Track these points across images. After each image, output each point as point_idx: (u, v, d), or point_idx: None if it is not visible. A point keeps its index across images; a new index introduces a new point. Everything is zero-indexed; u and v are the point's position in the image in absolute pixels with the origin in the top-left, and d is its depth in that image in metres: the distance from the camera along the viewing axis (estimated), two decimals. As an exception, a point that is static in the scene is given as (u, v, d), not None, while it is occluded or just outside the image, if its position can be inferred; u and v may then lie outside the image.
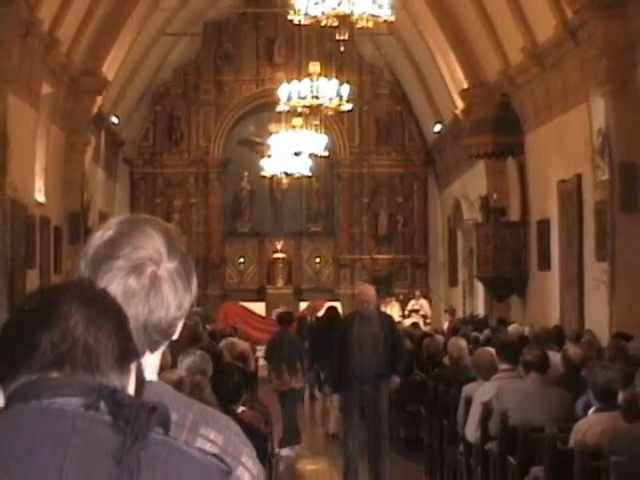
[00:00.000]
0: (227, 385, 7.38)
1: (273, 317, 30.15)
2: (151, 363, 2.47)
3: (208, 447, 2.31)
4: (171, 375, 6.80)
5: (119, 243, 2.41)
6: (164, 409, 1.97)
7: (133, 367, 2.08)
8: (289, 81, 23.15)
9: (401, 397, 14.78)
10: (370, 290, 12.97)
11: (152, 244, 2.42)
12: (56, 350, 1.97)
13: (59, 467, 1.87)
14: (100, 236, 2.45)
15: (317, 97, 22.32)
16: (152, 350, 2.46)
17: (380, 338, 12.23)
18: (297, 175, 28.26)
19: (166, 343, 2.50)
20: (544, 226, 20.84)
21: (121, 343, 2.04)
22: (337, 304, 24.55)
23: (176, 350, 8.54)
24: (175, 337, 2.51)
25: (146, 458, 1.89)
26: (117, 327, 2.05)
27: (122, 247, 2.41)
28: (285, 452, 14.72)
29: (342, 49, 18.10)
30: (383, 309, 19.17)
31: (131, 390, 2.05)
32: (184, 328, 2.59)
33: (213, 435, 2.37)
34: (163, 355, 2.63)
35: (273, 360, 17.16)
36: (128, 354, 2.06)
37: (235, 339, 18.92)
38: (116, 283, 2.36)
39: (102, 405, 1.93)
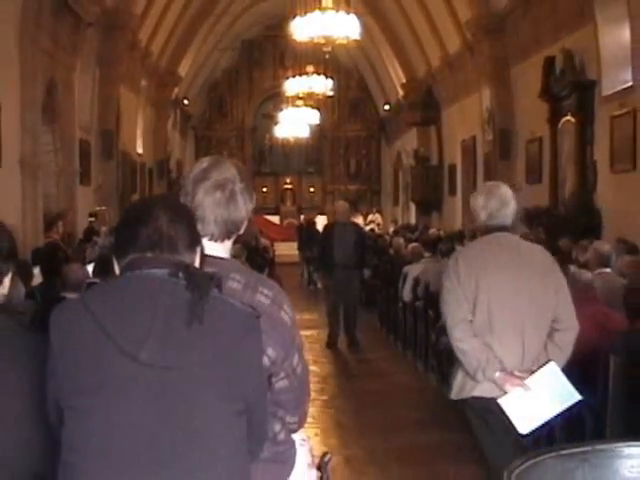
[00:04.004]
0: (255, 265, 7.38)
1: (284, 224, 30.34)
2: (228, 246, 2.49)
3: (264, 299, 2.34)
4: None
5: (210, 170, 2.44)
6: (219, 277, 1.99)
7: (198, 250, 2.08)
8: (294, 77, 22.97)
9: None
10: (345, 205, 12.39)
11: (230, 171, 2.45)
12: (151, 239, 1.97)
13: (154, 311, 1.88)
14: (198, 166, 2.48)
15: (311, 87, 22.25)
16: (229, 238, 2.47)
17: (352, 240, 11.56)
18: (299, 137, 28.06)
19: (236, 234, 2.51)
20: (452, 168, 20.78)
21: (191, 234, 2.05)
22: (323, 217, 24.62)
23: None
24: (241, 231, 2.53)
25: (208, 308, 1.90)
26: (188, 224, 2.05)
27: (211, 173, 2.43)
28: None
29: (327, 56, 17.87)
30: (353, 220, 18.99)
31: (197, 264, 2.06)
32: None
33: (266, 291, 2.37)
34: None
35: (305, 243, 19.75)
36: (195, 241, 2.07)
37: (261, 238, 19.02)
38: (208, 195, 2.39)
39: (180, 274, 1.94)
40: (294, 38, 16.30)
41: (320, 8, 15.85)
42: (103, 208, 15.32)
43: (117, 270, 2.02)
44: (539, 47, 14.05)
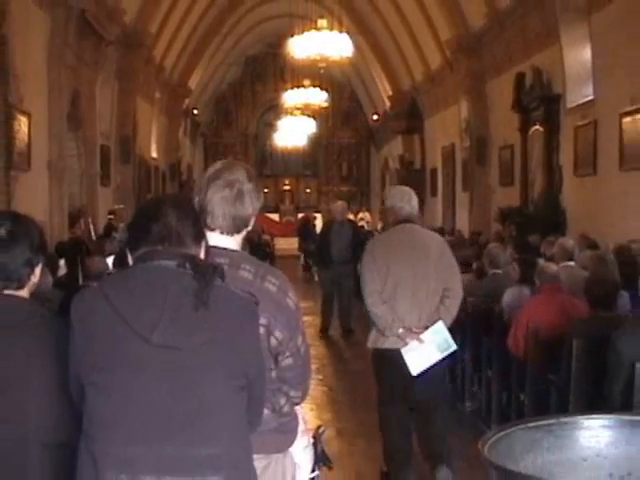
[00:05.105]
0: (257, 258, 7.32)
1: (283, 222, 30.29)
2: (238, 240, 2.49)
3: (271, 286, 2.35)
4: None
5: (221, 171, 2.45)
6: (222, 268, 1.98)
7: (203, 243, 2.08)
8: (292, 90, 22.92)
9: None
10: (343, 205, 12.02)
11: (239, 172, 2.45)
12: (160, 234, 1.97)
13: (164, 297, 1.87)
14: (213, 168, 2.50)
15: (308, 99, 22.20)
16: (238, 233, 2.47)
17: (348, 236, 11.27)
18: (297, 143, 27.92)
19: (246, 230, 2.50)
20: (434, 172, 20.75)
21: (196, 230, 2.04)
22: (318, 215, 24.61)
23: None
24: (250, 227, 2.52)
25: (212, 295, 1.89)
26: (194, 220, 2.05)
27: (223, 173, 2.44)
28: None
29: (322, 72, 17.87)
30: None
31: (202, 256, 2.05)
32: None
33: (274, 280, 2.39)
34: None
35: (303, 238, 19.70)
36: (200, 236, 2.06)
37: (262, 234, 19.02)
38: (218, 193, 2.39)
39: (187, 265, 1.93)
40: (293, 55, 16.30)
41: (316, 28, 15.93)
42: (121, 206, 15.30)
43: (131, 262, 2.02)
44: (511, 64, 14.07)
